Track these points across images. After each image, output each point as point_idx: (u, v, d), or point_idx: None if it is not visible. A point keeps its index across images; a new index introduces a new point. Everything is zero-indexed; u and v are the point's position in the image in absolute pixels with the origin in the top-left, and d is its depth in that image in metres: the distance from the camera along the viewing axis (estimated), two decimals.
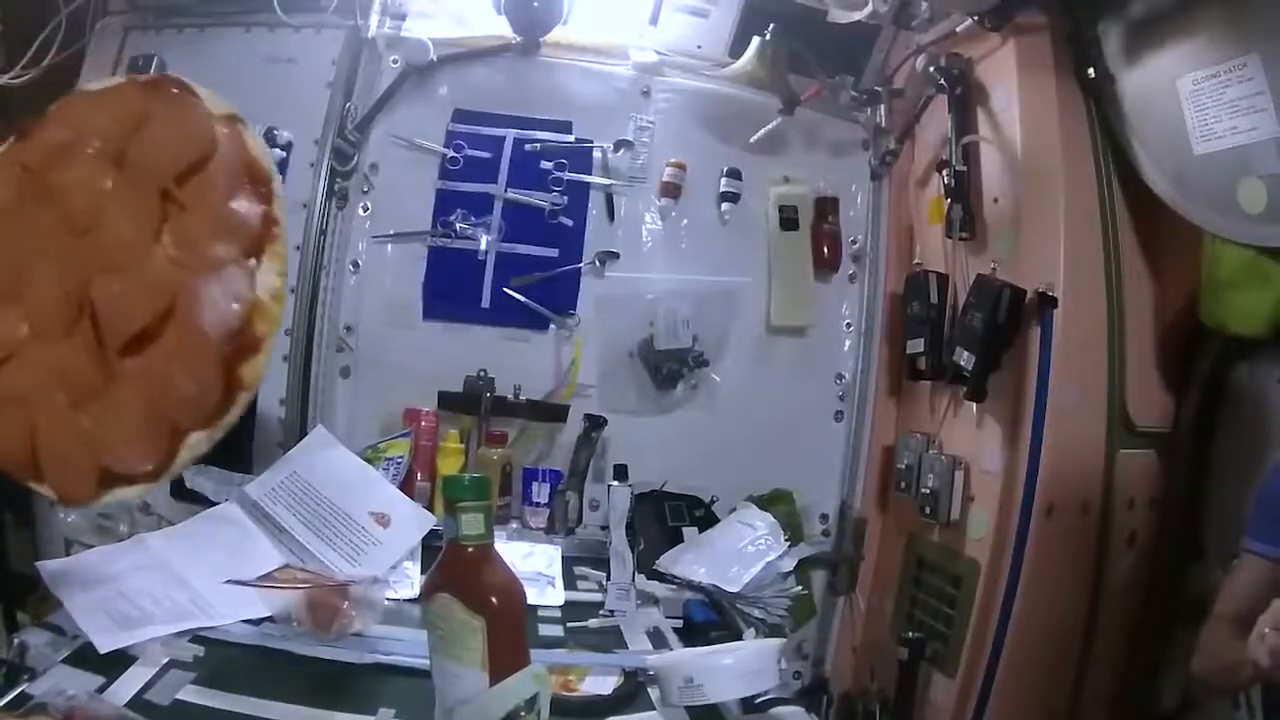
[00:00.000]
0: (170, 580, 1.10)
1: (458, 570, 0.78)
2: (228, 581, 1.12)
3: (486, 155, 1.86)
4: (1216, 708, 1.44)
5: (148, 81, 0.73)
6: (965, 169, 1.68)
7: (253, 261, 0.68)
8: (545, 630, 1.30)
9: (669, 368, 1.86)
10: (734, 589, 1.51)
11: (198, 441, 0.68)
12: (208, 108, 0.72)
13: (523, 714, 0.74)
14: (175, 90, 0.72)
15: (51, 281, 0.67)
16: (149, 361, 0.65)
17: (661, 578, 1.59)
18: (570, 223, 1.88)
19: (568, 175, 1.87)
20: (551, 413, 1.85)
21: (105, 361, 0.65)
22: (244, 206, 0.69)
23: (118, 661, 0.93)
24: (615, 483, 1.52)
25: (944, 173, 1.71)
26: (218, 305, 0.66)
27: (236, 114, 0.72)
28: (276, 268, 0.68)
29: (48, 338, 0.67)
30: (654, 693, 1.06)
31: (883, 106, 1.94)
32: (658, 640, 1.32)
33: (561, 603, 1.43)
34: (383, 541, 1.35)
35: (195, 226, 0.67)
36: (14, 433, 0.66)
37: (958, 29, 1.70)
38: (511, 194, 1.86)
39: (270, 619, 1.10)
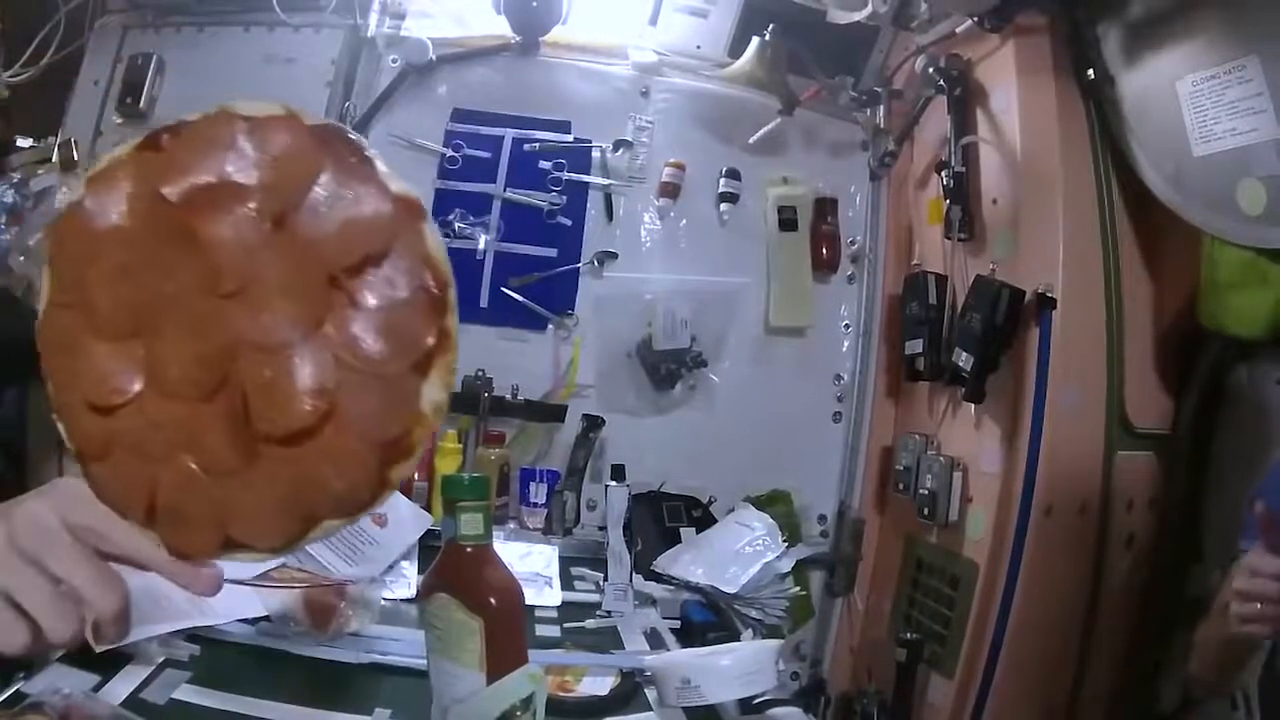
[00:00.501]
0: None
1: (456, 570, 0.78)
2: (225, 580, 1.12)
3: (485, 155, 1.86)
4: (1216, 708, 1.44)
5: (319, 132, 0.64)
6: (964, 170, 1.68)
7: (420, 376, 0.61)
8: (542, 630, 1.30)
9: (667, 368, 1.86)
10: (732, 589, 1.50)
11: (331, 526, 0.63)
12: (387, 186, 0.64)
13: (518, 714, 0.74)
14: (353, 158, 0.64)
15: (183, 336, 0.61)
16: (300, 453, 0.59)
17: (659, 578, 1.59)
18: (569, 222, 1.88)
19: (566, 175, 1.87)
20: (549, 413, 1.84)
21: (248, 442, 0.59)
22: (419, 316, 0.62)
23: (113, 660, 0.92)
24: (613, 483, 1.52)
25: (943, 174, 1.71)
26: (379, 416, 0.60)
27: (416, 198, 0.64)
28: (444, 380, 0.61)
29: (176, 396, 0.60)
30: (651, 693, 1.06)
31: (882, 107, 1.93)
32: (655, 641, 1.32)
33: (559, 603, 1.43)
34: (380, 541, 1.35)
35: (363, 327, 0.60)
36: (130, 481, 0.60)
37: (957, 30, 1.70)
38: (510, 194, 1.86)
39: (267, 618, 1.10)
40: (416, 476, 1.65)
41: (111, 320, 0.64)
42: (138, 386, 0.62)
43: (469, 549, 0.78)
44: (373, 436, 0.61)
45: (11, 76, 1.71)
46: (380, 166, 0.66)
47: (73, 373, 0.64)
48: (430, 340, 0.62)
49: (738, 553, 1.59)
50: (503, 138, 1.86)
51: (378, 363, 0.61)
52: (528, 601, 1.06)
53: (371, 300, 0.62)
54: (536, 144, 1.86)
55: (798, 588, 1.66)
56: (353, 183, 0.64)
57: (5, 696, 0.82)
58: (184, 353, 0.62)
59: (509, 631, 0.77)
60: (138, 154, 0.67)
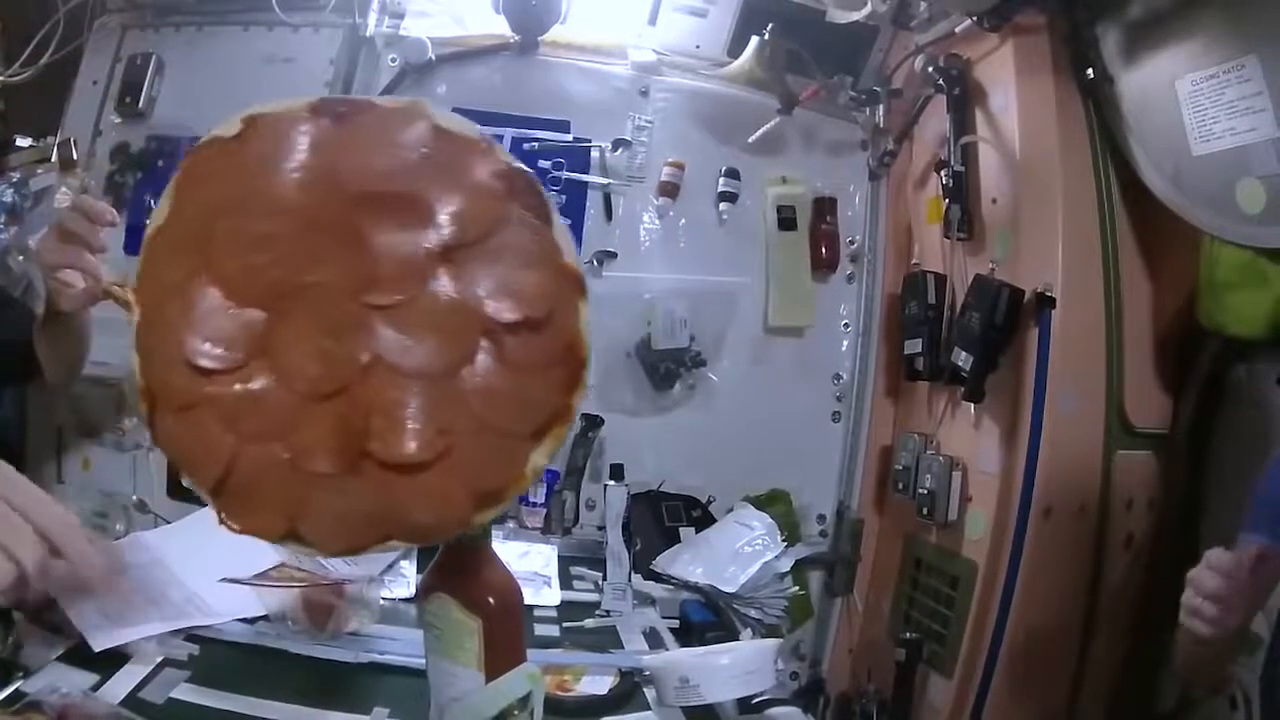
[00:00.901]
0: (166, 578, 1.10)
1: (455, 570, 0.78)
2: (223, 580, 1.12)
3: None
4: (1216, 708, 1.44)
5: (513, 177, 0.64)
6: (963, 169, 1.68)
7: (534, 442, 0.62)
8: (541, 630, 1.30)
9: (666, 367, 1.85)
10: (730, 589, 1.50)
11: (395, 547, 0.62)
12: (560, 253, 0.63)
13: (516, 712, 0.74)
14: (537, 216, 0.63)
15: (314, 330, 0.60)
16: (401, 480, 0.59)
17: (658, 578, 1.59)
18: (568, 222, 1.84)
19: (565, 174, 1.86)
20: None
21: (354, 454, 0.59)
22: (554, 388, 0.62)
23: (112, 660, 0.92)
24: (612, 482, 1.52)
25: (942, 173, 1.71)
26: (487, 468, 0.61)
27: (580, 273, 0.64)
28: (550, 449, 0.62)
29: (289, 385, 0.60)
30: (650, 693, 1.06)
31: (881, 107, 1.93)
32: (654, 640, 1.32)
33: (557, 602, 1.43)
34: None
35: (502, 384, 0.61)
36: (209, 445, 0.59)
37: (957, 29, 1.70)
38: None
39: (266, 618, 1.10)
40: None
41: (236, 284, 0.62)
42: (242, 356, 0.61)
43: (468, 548, 0.78)
44: (475, 485, 0.61)
45: (10, 76, 1.71)
46: (557, 227, 0.66)
47: (173, 317, 0.62)
48: (554, 414, 0.63)
49: (737, 552, 1.59)
50: (502, 137, 1.86)
51: (504, 421, 0.62)
52: (526, 601, 1.05)
53: (517, 361, 0.62)
54: (536, 143, 1.86)
55: (797, 587, 1.66)
56: (533, 240, 0.64)
57: (4, 695, 0.82)
58: (310, 346, 0.61)
59: (507, 631, 0.77)
60: (314, 116, 0.66)
